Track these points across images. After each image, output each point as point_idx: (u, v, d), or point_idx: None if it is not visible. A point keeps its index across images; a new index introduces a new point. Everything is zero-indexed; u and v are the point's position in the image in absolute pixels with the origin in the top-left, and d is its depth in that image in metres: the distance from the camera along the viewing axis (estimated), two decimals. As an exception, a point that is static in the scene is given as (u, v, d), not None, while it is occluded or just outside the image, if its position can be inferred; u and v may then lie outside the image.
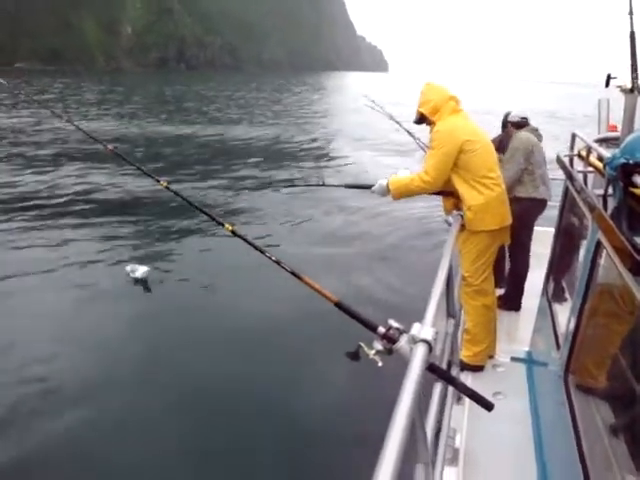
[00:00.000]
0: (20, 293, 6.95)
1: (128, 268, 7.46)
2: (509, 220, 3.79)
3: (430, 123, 3.75)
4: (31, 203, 11.58)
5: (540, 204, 4.78)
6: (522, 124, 4.88)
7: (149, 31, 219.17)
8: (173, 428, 4.49)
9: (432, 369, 1.74)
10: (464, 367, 3.80)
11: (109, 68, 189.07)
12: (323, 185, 4.50)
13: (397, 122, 5.67)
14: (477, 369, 3.86)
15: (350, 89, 79.87)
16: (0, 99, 30.96)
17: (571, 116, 39.39)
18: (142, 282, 7.21)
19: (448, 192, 3.80)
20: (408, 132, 5.45)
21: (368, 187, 3.87)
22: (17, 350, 5.61)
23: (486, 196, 3.60)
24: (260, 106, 40.64)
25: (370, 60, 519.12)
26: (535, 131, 4.89)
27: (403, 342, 1.72)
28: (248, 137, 23.54)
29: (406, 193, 3.75)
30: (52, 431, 4.46)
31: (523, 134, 4.69)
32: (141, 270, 7.30)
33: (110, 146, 3.08)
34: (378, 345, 1.76)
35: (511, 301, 4.94)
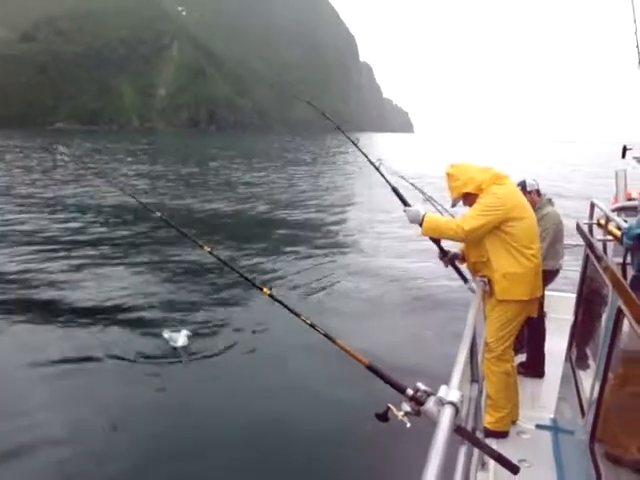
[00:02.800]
0: (57, 359, 7.03)
1: (166, 335, 7.49)
2: (540, 292, 3.76)
3: (475, 197, 3.66)
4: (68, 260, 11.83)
5: (556, 274, 4.92)
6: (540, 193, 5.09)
7: (182, 92, 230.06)
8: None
9: (459, 431, 1.76)
10: (488, 434, 3.71)
11: (142, 128, 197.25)
12: (377, 169, 4.20)
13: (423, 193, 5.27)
14: (501, 435, 3.81)
15: (378, 149, 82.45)
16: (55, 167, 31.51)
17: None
18: (182, 349, 7.30)
19: (461, 255, 3.89)
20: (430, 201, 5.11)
21: (405, 203, 3.82)
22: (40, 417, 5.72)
23: (524, 266, 3.59)
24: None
25: (396, 122, 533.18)
26: (550, 201, 5.03)
27: (431, 404, 1.75)
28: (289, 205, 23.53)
29: (437, 231, 3.68)
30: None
31: (552, 211, 4.74)
32: (181, 340, 7.32)
33: (159, 213, 3.24)
34: (406, 407, 1.79)
35: (534, 367, 4.94)
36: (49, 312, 8.80)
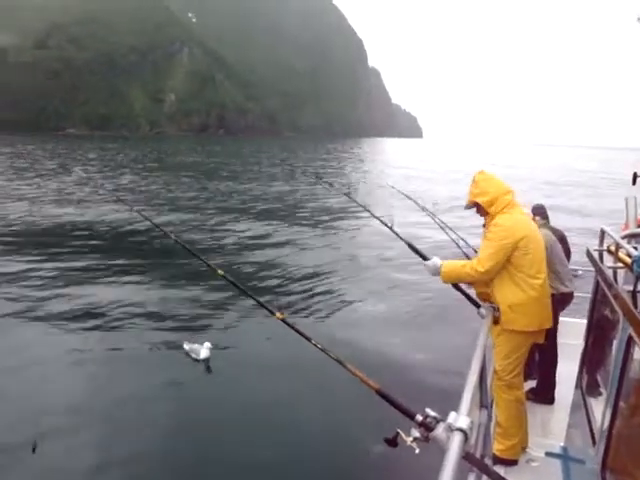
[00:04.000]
0: (73, 371, 7.17)
1: (187, 347, 7.44)
2: (549, 323, 3.74)
3: (484, 214, 3.76)
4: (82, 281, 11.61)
5: (566, 297, 4.81)
6: (536, 213, 5.17)
7: (192, 98, 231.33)
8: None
9: (468, 458, 1.76)
10: (497, 461, 3.71)
11: (152, 133, 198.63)
12: (390, 228, 4.45)
13: (431, 215, 5.68)
14: (511, 463, 3.77)
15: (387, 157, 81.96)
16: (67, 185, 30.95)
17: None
18: (204, 362, 7.27)
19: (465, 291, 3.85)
20: (441, 226, 5.46)
21: (424, 258, 3.86)
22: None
23: (529, 296, 3.58)
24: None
25: (405, 126, 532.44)
26: (546, 224, 5.06)
27: (440, 430, 1.74)
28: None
29: (456, 278, 3.74)
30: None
31: (543, 234, 4.45)
32: (203, 352, 7.25)
33: (173, 235, 3.32)
34: (416, 432, 1.78)
35: (544, 394, 4.87)
36: (61, 323, 8.83)
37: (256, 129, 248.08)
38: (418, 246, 4.09)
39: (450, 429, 1.70)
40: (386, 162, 63.51)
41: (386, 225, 4.47)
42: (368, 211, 4.92)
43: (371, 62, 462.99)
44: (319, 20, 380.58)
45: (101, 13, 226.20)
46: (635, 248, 2.76)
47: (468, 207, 3.85)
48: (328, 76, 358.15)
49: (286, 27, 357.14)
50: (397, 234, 4.37)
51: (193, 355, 7.28)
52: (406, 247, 4.08)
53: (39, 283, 11.09)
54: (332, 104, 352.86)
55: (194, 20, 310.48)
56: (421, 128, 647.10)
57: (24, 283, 11.07)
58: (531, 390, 4.77)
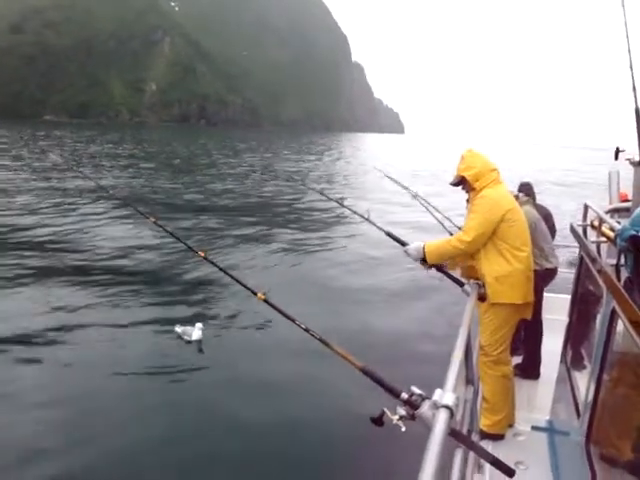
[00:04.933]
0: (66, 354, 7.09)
1: (179, 329, 7.45)
2: (532, 297, 3.79)
3: (470, 189, 3.83)
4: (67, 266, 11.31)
5: (549, 273, 4.87)
6: (521, 190, 5.26)
7: (173, 88, 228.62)
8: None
9: (454, 435, 1.76)
10: (484, 436, 3.76)
11: (132, 122, 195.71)
12: (367, 220, 4.51)
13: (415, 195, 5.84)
14: (497, 438, 3.83)
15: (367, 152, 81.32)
16: (38, 165, 30.29)
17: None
18: (197, 343, 7.31)
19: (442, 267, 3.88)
20: (426, 207, 5.61)
21: (403, 244, 3.91)
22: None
23: (515, 268, 3.63)
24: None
25: (387, 122, 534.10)
26: (529, 200, 5.08)
27: (425, 408, 1.75)
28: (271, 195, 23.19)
29: (441, 255, 3.77)
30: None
31: (527, 210, 4.58)
32: (196, 334, 7.27)
33: (152, 218, 3.23)
34: (401, 411, 1.78)
35: (529, 369, 4.97)
36: (48, 305, 8.67)
37: (237, 121, 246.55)
38: (399, 232, 4.11)
39: (435, 406, 1.71)
40: (365, 158, 63.21)
41: (362, 216, 4.53)
42: (343, 205, 5.03)
43: (354, 57, 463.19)
44: (303, 14, 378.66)
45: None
46: (618, 222, 2.73)
47: (454, 183, 3.90)
48: (311, 70, 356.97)
49: (270, 20, 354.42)
50: (374, 224, 4.42)
51: (185, 337, 7.29)
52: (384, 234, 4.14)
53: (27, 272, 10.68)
54: (314, 98, 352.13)
55: (177, 9, 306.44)
56: (403, 124, 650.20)
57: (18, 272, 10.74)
58: (517, 366, 4.79)
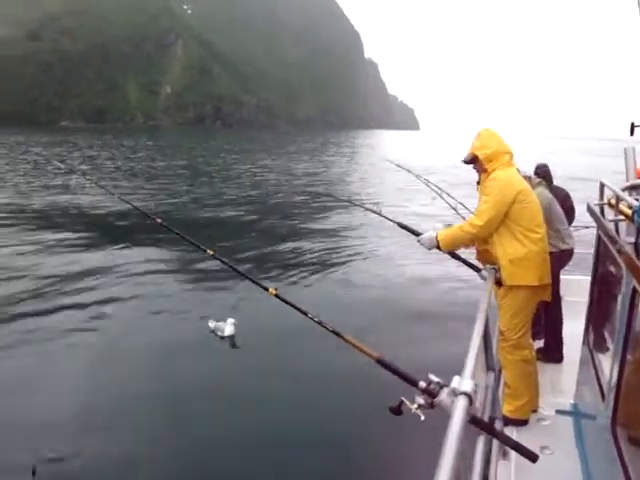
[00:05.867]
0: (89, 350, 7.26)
1: (211, 325, 7.53)
2: (549, 279, 3.72)
3: (481, 169, 3.78)
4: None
5: (565, 255, 4.79)
6: (537, 172, 5.24)
7: (188, 91, 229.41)
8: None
9: (474, 422, 1.76)
10: (508, 422, 3.66)
11: (147, 125, 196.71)
12: (379, 214, 4.55)
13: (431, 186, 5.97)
14: (521, 423, 3.74)
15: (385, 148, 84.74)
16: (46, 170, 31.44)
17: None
18: (229, 339, 7.36)
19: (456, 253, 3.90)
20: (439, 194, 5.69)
21: (417, 234, 3.90)
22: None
23: (529, 249, 3.57)
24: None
25: (402, 119, 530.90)
26: (541, 182, 4.92)
27: (444, 396, 1.74)
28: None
29: (456, 243, 3.74)
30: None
31: (540, 192, 4.54)
32: (228, 329, 7.31)
33: (158, 219, 3.26)
34: (420, 399, 1.78)
35: (552, 352, 4.89)
36: (76, 308, 8.84)
37: (252, 122, 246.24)
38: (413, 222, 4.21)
39: (454, 394, 1.67)
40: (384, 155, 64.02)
41: (374, 211, 4.60)
42: (353, 202, 5.22)
43: (367, 53, 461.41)
44: (315, 12, 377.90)
45: (94, 3, 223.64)
46: (636, 199, 2.69)
47: (467, 161, 3.82)
48: (325, 68, 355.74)
49: (282, 18, 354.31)
50: (386, 217, 4.47)
51: (219, 333, 7.38)
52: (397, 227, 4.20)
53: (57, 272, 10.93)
54: (329, 96, 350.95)
55: (189, 12, 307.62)
56: (418, 120, 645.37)
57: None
58: (539, 350, 4.77)
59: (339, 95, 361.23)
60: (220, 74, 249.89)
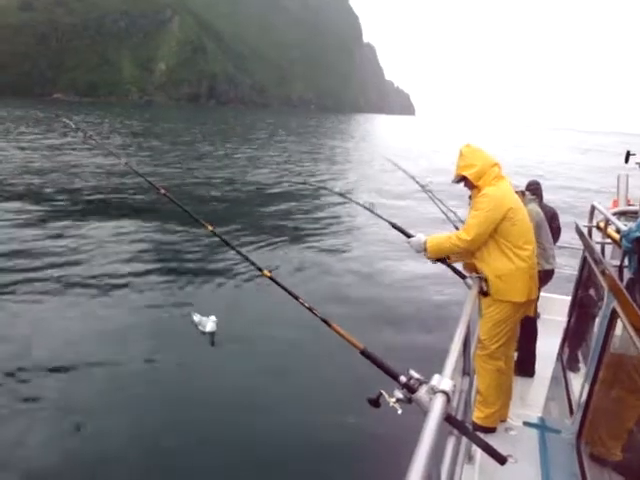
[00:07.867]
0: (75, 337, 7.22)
1: (196, 319, 7.63)
2: (535, 294, 3.79)
3: (472, 187, 3.75)
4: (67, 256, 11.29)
5: (547, 274, 4.94)
6: (529, 188, 5.21)
7: (182, 68, 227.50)
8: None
9: (449, 420, 1.76)
10: (476, 428, 3.77)
11: (141, 101, 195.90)
12: (371, 211, 4.53)
13: (422, 186, 5.83)
14: (488, 431, 3.86)
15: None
16: (53, 134, 32.68)
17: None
18: (210, 335, 7.42)
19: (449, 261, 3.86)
20: (433, 198, 5.59)
21: (407, 235, 3.89)
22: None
23: (517, 266, 3.59)
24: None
25: (397, 103, 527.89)
26: (535, 199, 5.04)
27: (423, 392, 1.76)
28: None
29: (442, 251, 3.74)
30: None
31: (531, 209, 4.56)
32: (210, 326, 7.44)
33: (162, 190, 3.24)
34: (399, 393, 1.79)
35: (524, 366, 5.02)
36: (56, 289, 8.83)
37: (246, 101, 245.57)
38: (402, 222, 4.17)
39: (433, 391, 1.72)
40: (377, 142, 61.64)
41: (366, 208, 4.53)
42: (347, 197, 5.22)
43: (366, 38, 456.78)
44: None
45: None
46: (625, 225, 2.72)
47: (456, 181, 3.83)
48: (322, 51, 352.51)
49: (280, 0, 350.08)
50: (379, 215, 4.41)
51: (200, 328, 7.48)
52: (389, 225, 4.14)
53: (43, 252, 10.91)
54: (325, 79, 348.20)
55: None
56: (414, 105, 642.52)
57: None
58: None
59: (335, 78, 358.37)
60: (215, 52, 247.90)
